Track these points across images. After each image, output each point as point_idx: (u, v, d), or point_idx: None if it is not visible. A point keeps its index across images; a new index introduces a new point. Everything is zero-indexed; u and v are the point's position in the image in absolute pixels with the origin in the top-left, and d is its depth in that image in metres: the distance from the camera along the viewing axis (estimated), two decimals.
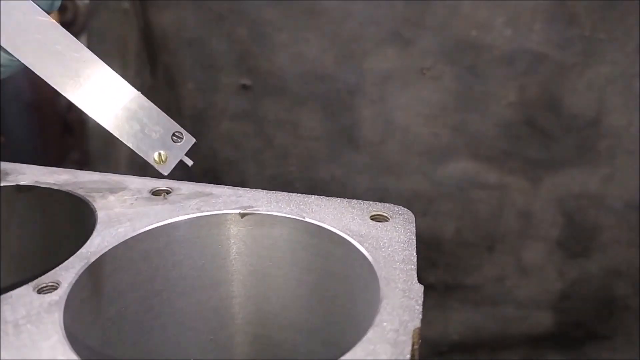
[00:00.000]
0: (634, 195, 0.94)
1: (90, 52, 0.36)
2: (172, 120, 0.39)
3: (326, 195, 0.40)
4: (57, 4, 0.36)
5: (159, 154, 0.38)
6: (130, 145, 0.38)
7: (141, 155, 0.38)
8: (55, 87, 0.36)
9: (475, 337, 1.09)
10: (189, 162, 0.40)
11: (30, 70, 0.35)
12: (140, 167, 1.28)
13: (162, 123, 0.39)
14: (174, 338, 0.40)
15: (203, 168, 1.04)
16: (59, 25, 0.35)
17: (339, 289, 0.37)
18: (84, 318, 0.32)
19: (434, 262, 1.05)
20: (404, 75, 0.92)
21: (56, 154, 1.50)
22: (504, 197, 0.98)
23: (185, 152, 0.40)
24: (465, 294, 1.06)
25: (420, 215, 1.01)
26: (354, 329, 0.33)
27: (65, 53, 0.35)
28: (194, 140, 0.40)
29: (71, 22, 1.51)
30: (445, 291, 1.07)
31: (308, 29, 0.92)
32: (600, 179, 0.94)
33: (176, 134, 0.39)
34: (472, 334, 1.09)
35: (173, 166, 0.39)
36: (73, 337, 0.29)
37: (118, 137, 0.38)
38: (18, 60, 0.35)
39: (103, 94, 0.36)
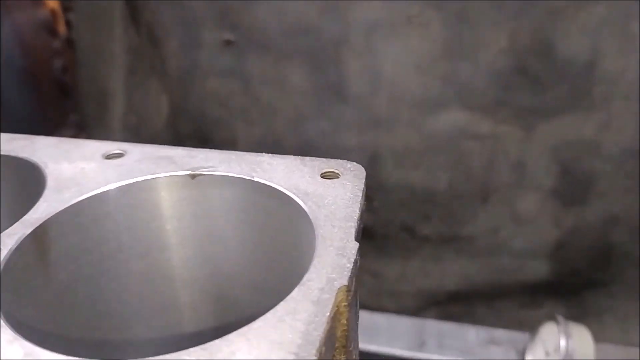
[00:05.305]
0: (631, 142, 0.91)
1: None
2: None
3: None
4: None
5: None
6: None
7: None
8: None
9: (472, 287, 1.10)
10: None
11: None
12: (133, 129, 1.26)
13: None
14: (135, 299, 0.40)
15: (192, 128, 1.03)
16: None
17: (289, 249, 0.36)
18: (31, 282, 0.33)
19: (428, 214, 1.04)
20: (390, 24, 0.89)
21: (55, 118, 1.50)
22: (496, 147, 0.96)
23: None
24: (460, 245, 1.06)
25: (412, 168, 1.00)
26: None
27: None
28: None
29: None
30: (440, 243, 1.07)
31: None
32: (596, 125, 0.92)
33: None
34: (468, 284, 1.10)
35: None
36: (14, 304, 0.30)
37: None
38: None
39: None
